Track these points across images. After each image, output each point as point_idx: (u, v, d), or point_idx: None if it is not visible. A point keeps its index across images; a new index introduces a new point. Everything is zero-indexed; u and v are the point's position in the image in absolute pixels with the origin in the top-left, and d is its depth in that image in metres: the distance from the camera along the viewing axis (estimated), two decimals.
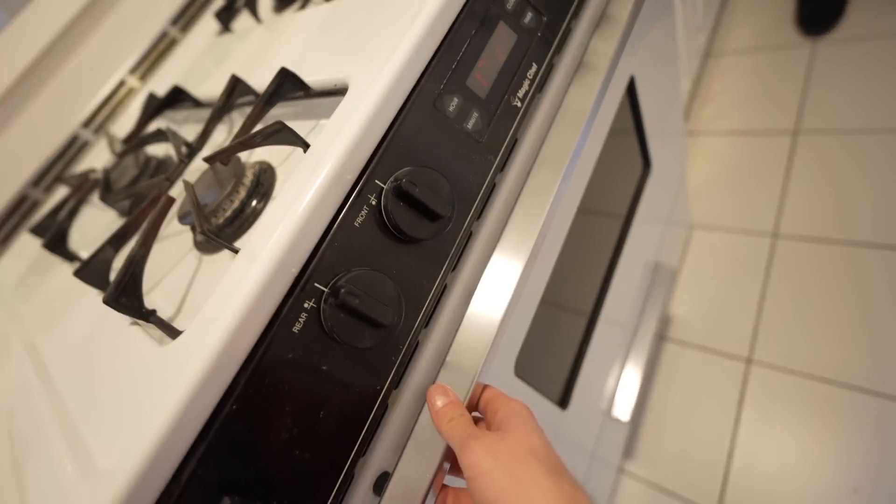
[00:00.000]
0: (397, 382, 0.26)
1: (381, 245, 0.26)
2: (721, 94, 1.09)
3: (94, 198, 0.46)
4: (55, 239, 0.41)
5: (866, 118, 0.89)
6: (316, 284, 0.24)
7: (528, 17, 0.33)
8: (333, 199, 0.24)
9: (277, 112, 0.36)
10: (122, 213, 0.41)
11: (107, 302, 0.26)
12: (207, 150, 0.37)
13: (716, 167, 0.99)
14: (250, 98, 0.39)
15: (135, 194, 0.37)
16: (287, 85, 0.33)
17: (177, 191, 0.37)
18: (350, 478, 0.24)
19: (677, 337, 0.84)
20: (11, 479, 0.27)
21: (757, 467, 0.68)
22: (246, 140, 0.28)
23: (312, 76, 0.33)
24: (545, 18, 0.33)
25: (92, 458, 0.22)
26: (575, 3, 0.35)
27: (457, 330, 0.28)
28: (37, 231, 0.46)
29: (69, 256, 0.41)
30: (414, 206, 0.25)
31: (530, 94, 0.32)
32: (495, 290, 0.27)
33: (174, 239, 0.36)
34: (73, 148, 0.55)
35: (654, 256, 0.71)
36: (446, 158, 0.28)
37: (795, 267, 0.81)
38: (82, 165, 0.55)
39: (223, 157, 0.29)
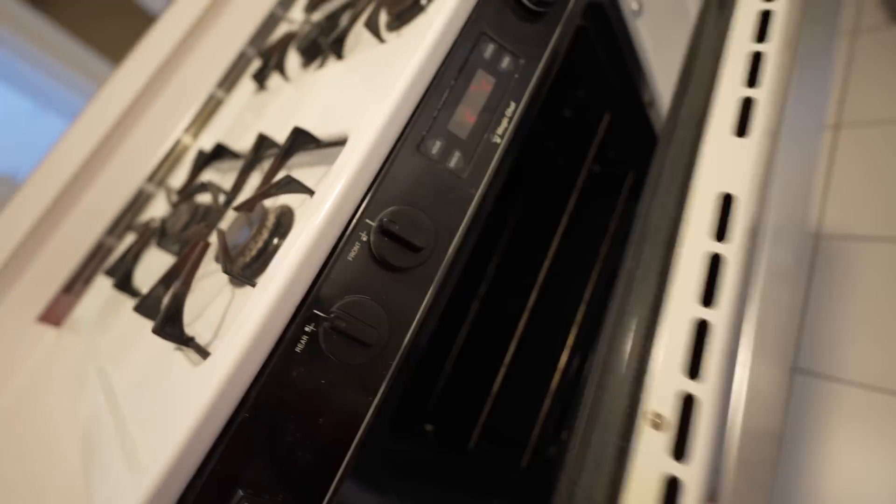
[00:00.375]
0: (388, 394, 0.29)
1: (372, 275, 0.29)
2: None
3: (154, 243, 0.54)
4: (123, 279, 0.48)
5: None
6: (315, 311, 0.28)
7: (506, 61, 0.36)
8: (329, 238, 0.29)
9: (298, 161, 0.42)
10: (174, 255, 0.48)
11: (155, 332, 0.32)
12: (241, 199, 0.44)
13: None
14: (275, 150, 0.45)
15: (183, 240, 0.44)
16: (300, 140, 0.38)
17: (215, 236, 0.43)
18: (346, 476, 0.27)
19: None
20: (82, 487, 0.33)
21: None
22: (264, 192, 0.34)
23: (323, 129, 0.39)
24: (521, 61, 0.37)
25: (139, 459, 0.27)
26: (551, 45, 0.38)
27: None
28: (110, 273, 0.54)
29: (133, 293, 0.48)
30: (396, 240, 0.29)
31: (509, 130, 0.35)
32: None
33: (215, 276, 0.42)
34: (139, 200, 0.64)
35: None
36: (429, 195, 0.32)
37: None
38: (147, 214, 0.64)
39: (247, 207, 0.34)
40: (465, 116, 0.34)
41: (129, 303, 0.48)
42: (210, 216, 0.48)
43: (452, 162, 0.33)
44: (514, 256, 0.96)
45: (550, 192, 0.97)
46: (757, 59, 0.34)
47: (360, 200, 0.30)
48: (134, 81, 0.66)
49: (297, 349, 0.27)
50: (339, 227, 0.29)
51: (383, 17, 0.45)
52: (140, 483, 0.23)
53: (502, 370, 0.63)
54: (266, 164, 0.49)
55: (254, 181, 0.47)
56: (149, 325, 0.41)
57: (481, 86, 0.35)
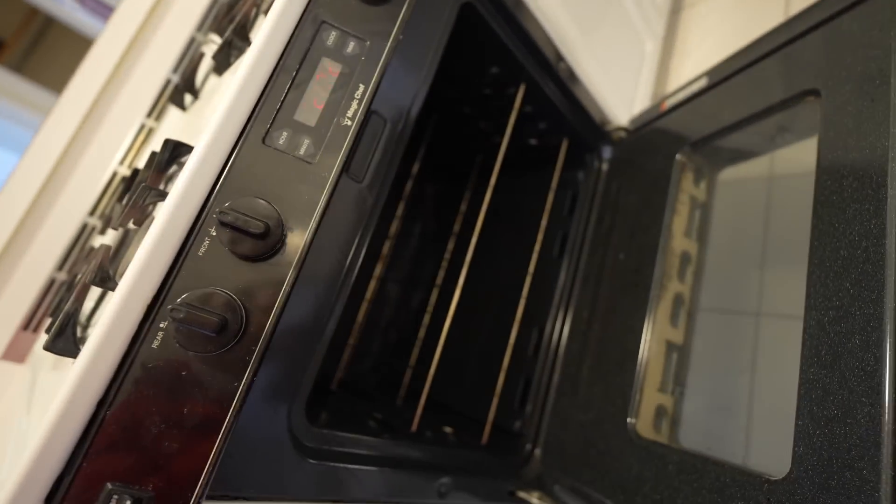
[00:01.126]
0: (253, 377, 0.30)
1: (224, 268, 0.31)
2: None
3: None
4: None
5: None
6: (169, 307, 0.29)
7: (351, 45, 0.37)
8: (175, 235, 0.30)
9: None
10: None
11: (46, 349, 0.34)
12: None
13: None
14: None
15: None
16: (176, 151, 0.40)
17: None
18: (219, 457, 0.29)
19: None
20: None
21: None
22: (131, 203, 0.35)
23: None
24: (367, 43, 0.38)
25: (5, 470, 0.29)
26: (398, 23, 0.39)
27: None
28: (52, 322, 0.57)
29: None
30: (235, 230, 0.30)
31: (360, 112, 0.36)
32: None
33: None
34: (84, 233, 0.67)
35: None
36: (278, 185, 0.33)
37: None
38: (94, 243, 0.66)
39: (121, 222, 0.36)
40: (313, 104, 0.35)
41: None
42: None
43: (302, 150, 0.34)
44: (440, 230, 0.97)
45: (477, 167, 0.97)
46: None
47: (205, 197, 0.31)
48: (71, 118, 0.69)
49: (154, 345, 0.29)
50: (185, 224, 0.30)
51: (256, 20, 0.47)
52: (5, 486, 0.25)
53: (438, 349, 0.64)
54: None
55: None
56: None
57: (327, 73, 0.36)
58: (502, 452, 0.63)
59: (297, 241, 0.33)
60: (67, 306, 0.35)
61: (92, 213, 0.68)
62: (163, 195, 0.35)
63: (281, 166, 0.33)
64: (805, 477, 0.35)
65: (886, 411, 0.32)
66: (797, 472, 0.35)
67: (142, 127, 0.72)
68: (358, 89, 0.37)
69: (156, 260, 0.29)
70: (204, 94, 0.61)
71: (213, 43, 0.74)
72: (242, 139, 0.33)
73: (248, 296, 0.31)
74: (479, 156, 0.98)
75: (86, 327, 0.40)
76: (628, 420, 0.54)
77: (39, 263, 0.67)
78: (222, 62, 0.56)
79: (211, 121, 0.32)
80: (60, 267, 0.65)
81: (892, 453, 0.31)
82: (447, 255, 0.92)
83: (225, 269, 0.31)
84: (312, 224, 0.33)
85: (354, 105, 0.36)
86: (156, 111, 0.73)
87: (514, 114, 0.68)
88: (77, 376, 0.27)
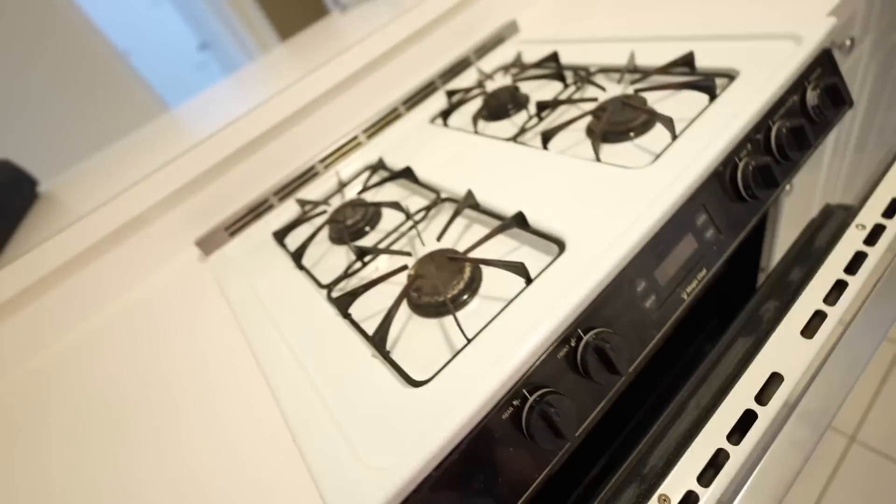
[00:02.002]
0: (547, 477, 0.35)
1: (567, 376, 0.36)
2: None
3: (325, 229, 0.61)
4: (298, 255, 0.55)
5: None
6: (523, 391, 0.34)
7: (710, 232, 0.43)
8: (551, 336, 0.35)
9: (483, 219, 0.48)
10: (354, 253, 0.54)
11: (371, 341, 0.39)
12: (444, 241, 0.50)
13: None
14: (466, 203, 0.52)
15: (378, 252, 0.51)
16: (516, 220, 0.45)
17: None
18: None
19: None
20: (289, 440, 0.39)
21: None
22: (482, 260, 0.41)
23: (532, 215, 0.45)
24: (721, 236, 0.44)
25: (360, 453, 0.33)
26: (748, 227, 0.45)
27: None
28: (277, 235, 0.62)
29: (302, 268, 0.55)
30: (601, 357, 0.35)
31: (695, 290, 0.42)
32: None
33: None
34: (307, 175, 0.72)
35: None
36: (624, 325, 0.38)
37: None
38: (308, 189, 0.71)
39: (458, 266, 0.41)
40: (667, 268, 0.41)
41: (288, 266, 0.56)
42: (395, 234, 0.55)
43: (648, 303, 0.40)
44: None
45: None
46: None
47: (580, 313, 0.36)
48: (337, 73, 0.74)
49: (503, 416, 0.34)
50: (559, 329, 0.35)
51: (597, 128, 0.52)
52: (383, 482, 0.30)
53: None
54: (445, 212, 0.56)
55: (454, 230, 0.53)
56: (325, 308, 0.48)
57: (686, 246, 0.42)
58: None
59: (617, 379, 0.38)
60: (389, 311, 0.40)
61: (322, 161, 0.73)
62: (519, 270, 0.40)
63: (632, 309, 0.39)
64: None
65: None
66: None
67: (394, 109, 0.77)
68: (701, 272, 0.42)
69: (534, 350, 0.34)
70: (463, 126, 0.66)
71: (482, 72, 0.80)
72: (621, 275, 0.38)
73: (576, 405, 0.36)
74: None
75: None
76: None
77: (259, 178, 0.72)
78: (500, 114, 0.62)
79: (610, 251, 0.37)
80: (277, 192, 0.70)
81: None
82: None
83: (566, 377, 0.36)
84: (635, 367, 0.38)
85: (694, 283, 0.42)
86: (410, 102, 0.79)
87: None
88: (459, 424, 0.31)
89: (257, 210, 0.69)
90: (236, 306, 0.54)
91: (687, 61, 0.56)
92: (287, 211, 0.68)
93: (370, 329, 0.43)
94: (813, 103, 0.49)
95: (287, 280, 0.55)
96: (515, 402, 0.34)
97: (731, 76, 0.53)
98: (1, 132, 1.78)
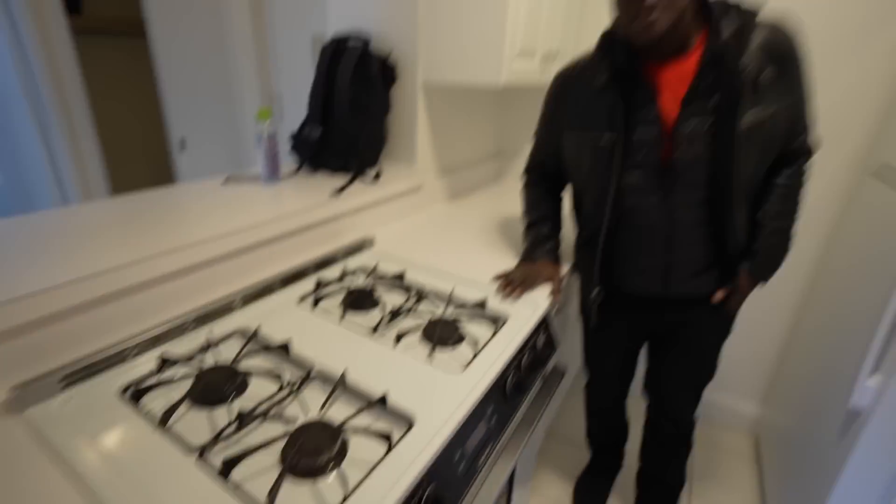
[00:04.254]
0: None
1: None
2: None
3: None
4: (166, 416, 0.59)
5: None
6: None
7: (494, 419, 0.69)
8: (407, 492, 0.51)
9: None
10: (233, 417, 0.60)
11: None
12: (314, 411, 0.63)
13: None
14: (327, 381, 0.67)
15: (260, 416, 0.59)
16: (376, 402, 0.62)
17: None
18: None
19: None
20: None
21: None
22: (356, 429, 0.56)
23: (393, 397, 0.63)
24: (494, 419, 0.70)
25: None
26: (516, 416, 0.72)
27: None
28: (128, 391, 0.62)
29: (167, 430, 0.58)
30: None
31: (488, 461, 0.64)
32: None
33: None
34: (176, 330, 0.75)
35: None
36: (447, 480, 0.57)
37: None
38: (172, 344, 0.74)
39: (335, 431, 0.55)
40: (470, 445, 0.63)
41: (141, 425, 0.57)
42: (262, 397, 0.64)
43: (460, 468, 0.60)
44: None
45: None
46: None
47: (423, 472, 0.54)
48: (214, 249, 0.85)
49: None
50: (412, 485, 0.52)
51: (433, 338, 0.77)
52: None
53: None
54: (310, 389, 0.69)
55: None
56: (193, 471, 0.52)
57: (480, 430, 0.66)
58: None
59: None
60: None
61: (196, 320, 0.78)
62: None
63: (449, 470, 0.58)
64: None
65: None
66: None
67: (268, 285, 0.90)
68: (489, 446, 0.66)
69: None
70: None
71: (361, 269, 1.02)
72: (446, 449, 0.58)
73: None
74: None
75: None
76: None
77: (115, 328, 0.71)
78: (361, 306, 0.84)
79: (444, 429, 0.58)
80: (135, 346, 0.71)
81: None
82: None
83: None
84: None
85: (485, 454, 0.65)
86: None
87: None
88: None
89: (107, 361, 0.67)
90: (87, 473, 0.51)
91: (482, 303, 0.90)
92: (142, 365, 0.68)
93: (257, 492, 0.50)
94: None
95: (143, 442, 0.56)
96: None
97: (506, 319, 0.88)
98: None
